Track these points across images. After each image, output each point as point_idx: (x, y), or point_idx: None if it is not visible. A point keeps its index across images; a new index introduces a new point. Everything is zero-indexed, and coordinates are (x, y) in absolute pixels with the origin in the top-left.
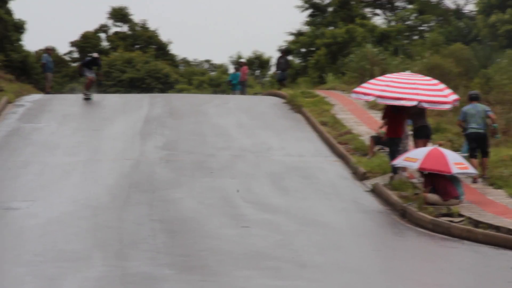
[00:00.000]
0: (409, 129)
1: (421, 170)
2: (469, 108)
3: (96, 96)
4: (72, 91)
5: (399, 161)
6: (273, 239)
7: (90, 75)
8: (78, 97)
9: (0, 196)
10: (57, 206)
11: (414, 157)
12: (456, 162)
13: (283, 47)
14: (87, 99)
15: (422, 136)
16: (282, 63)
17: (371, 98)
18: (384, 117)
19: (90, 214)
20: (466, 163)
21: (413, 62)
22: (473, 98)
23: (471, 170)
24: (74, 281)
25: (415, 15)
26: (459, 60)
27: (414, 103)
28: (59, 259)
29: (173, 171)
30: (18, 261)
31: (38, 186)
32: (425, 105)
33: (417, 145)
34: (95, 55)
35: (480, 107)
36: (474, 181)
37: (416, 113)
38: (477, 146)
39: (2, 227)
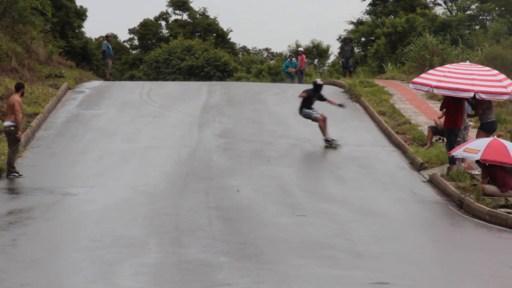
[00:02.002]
0: (472, 121)
1: (482, 162)
2: None
3: (154, 84)
4: (131, 78)
5: (459, 152)
6: (329, 229)
7: (318, 115)
8: (137, 84)
9: (59, 181)
10: (115, 192)
11: (474, 148)
12: None
13: (346, 35)
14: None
15: (491, 131)
16: (347, 51)
17: (429, 89)
18: (442, 107)
19: (147, 201)
20: None
21: (473, 52)
22: None
23: None
24: (130, 266)
25: (476, 4)
26: None
27: (471, 94)
28: (116, 244)
29: (230, 159)
30: (76, 246)
31: (97, 172)
32: (483, 95)
33: (479, 137)
34: (319, 81)
35: None
36: None
37: (488, 107)
38: None
39: (61, 212)
